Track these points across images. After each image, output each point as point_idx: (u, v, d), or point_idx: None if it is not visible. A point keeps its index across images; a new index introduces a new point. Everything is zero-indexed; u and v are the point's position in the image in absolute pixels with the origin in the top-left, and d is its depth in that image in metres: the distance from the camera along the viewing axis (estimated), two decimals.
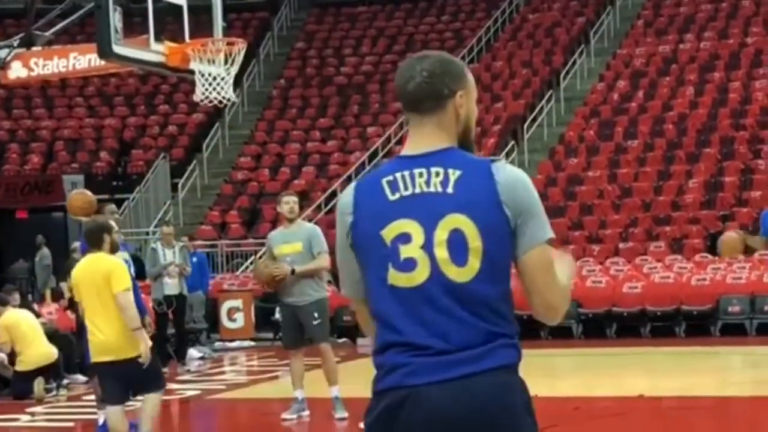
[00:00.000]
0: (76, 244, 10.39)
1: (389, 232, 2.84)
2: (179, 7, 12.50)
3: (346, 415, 9.88)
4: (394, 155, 2.89)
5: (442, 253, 2.82)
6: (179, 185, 25.34)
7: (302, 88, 28.48)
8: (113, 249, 7.93)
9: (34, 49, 13.13)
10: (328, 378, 10.04)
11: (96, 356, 7.70)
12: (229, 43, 12.49)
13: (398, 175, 2.86)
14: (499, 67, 27.17)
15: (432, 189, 2.83)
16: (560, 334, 17.54)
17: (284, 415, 10.16)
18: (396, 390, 2.85)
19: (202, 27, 12.97)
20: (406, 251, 2.83)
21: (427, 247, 2.82)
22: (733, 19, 26.63)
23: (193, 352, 16.13)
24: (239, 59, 12.39)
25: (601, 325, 17.61)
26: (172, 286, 14.76)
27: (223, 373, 15.36)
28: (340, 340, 17.08)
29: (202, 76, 12.09)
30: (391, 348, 2.87)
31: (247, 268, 22.30)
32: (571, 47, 27.17)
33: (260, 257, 22.35)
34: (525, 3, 29.54)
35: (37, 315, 14.30)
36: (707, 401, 11.22)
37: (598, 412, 10.82)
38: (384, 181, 2.86)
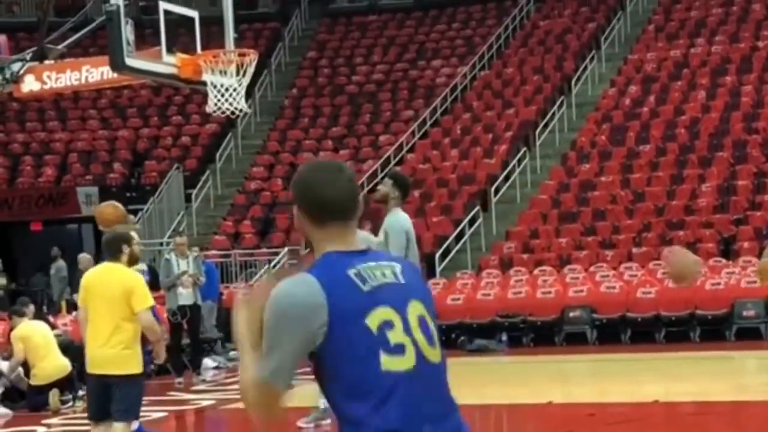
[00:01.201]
0: (81, 256, 10.40)
1: (373, 320, 2.91)
2: (191, 19, 12.56)
3: None
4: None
5: (420, 336, 2.97)
6: (193, 196, 25.41)
7: (314, 98, 28.54)
8: (132, 260, 7.86)
9: (47, 62, 13.20)
10: None
11: (92, 368, 7.56)
12: (240, 54, 12.53)
13: (359, 267, 2.96)
14: (510, 73, 27.18)
15: (390, 280, 2.98)
16: (575, 340, 17.54)
17: (300, 423, 10.17)
18: None
19: (213, 38, 13.02)
20: (394, 336, 2.92)
21: (408, 331, 2.95)
22: (744, 22, 26.60)
23: (208, 362, 16.17)
24: (251, 70, 12.43)
25: (615, 330, 17.60)
26: (186, 296, 14.80)
27: (237, 382, 15.37)
28: None
29: (215, 87, 12.14)
30: None
31: (260, 277, 22.34)
32: (582, 53, 27.17)
33: (273, 267, 22.43)
34: (535, 10, 29.56)
35: (53, 327, 14.35)
36: (723, 406, 11.20)
37: (614, 417, 10.81)
38: (351, 273, 2.93)
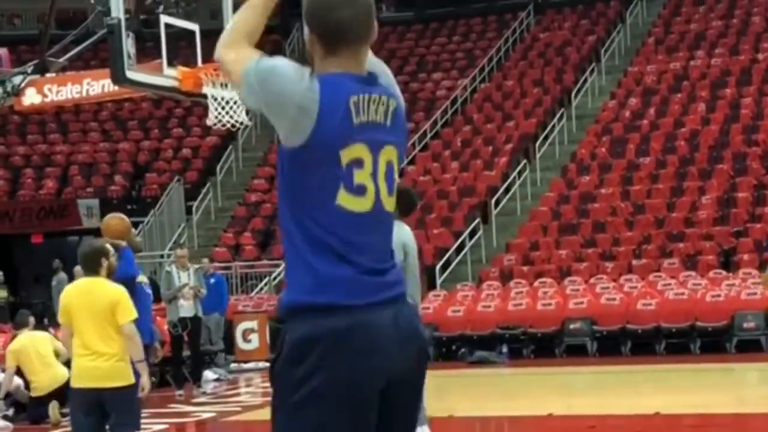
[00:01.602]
0: (77, 269, 10.32)
1: (348, 153, 2.94)
2: (192, 32, 12.60)
3: None
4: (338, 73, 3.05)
5: (382, 184, 3.02)
6: (193, 208, 25.44)
7: None
8: (110, 273, 7.68)
9: (48, 75, 13.23)
10: None
11: (79, 382, 7.42)
12: None
13: (360, 96, 2.96)
14: (511, 86, 27.23)
15: (379, 119, 2.99)
16: (575, 352, 17.54)
17: None
18: (338, 308, 2.94)
19: (214, 51, 13.04)
20: (359, 176, 2.96)
21: (374, 175, 3.00)
22: (743, 35, 26.66)
23: (208, 374, 16.18)
24: None
25: (615, 342, 17.60)
26: (187, 308, 14.81)
27: (238, 394, 15.39)
28: None
29: (215, 100, 12.17)
30: (335, 264, 2.95)
31: (261, 289, 22.36)
32: (582, 65, 27.23)
33: (274, 279, 22.43)
34: (535, 22, 29.63)
35: (55, 338, 14.35)
36: (724, 418, 11.20)
37: (614, 430, 10.82)
38: (351, 101, 2.94)
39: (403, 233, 8.95)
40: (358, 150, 2.95)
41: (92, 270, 7.53)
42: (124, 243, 9.01)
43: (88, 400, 7.39)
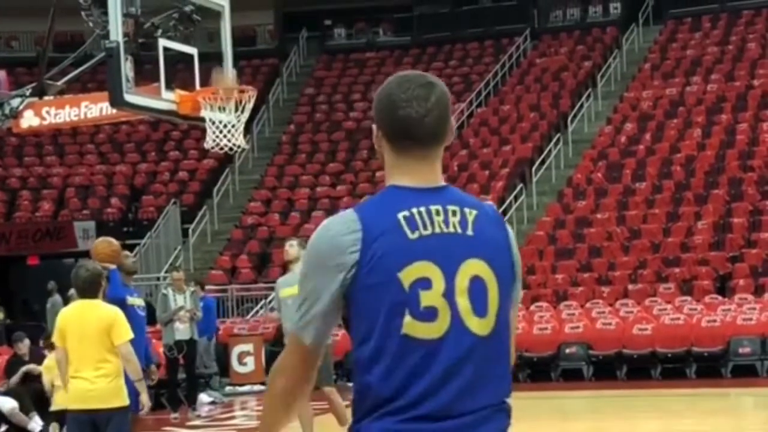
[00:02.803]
0: (72, 292, 10.35)
1: (408, 275, 2.50)
2: (190, 56, 12.64)
3: None
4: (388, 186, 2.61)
5: (464, 302, 2.54)
6: (190, 230, 25.44)
7: (311, 134, 28.65)
8: (104, 296, 7.79)
9: (46, 98, 13.25)
10: (338, 420, 10.05)
11: (75, 403, 7.47)
12: (239, 91, 12.61)
13: (414, 210, 2.55)
14: (507, 110, 27.31)
15: (451, 230, 2.57)
16: (571, 376, 17.53)
17: None
18: None
19: (212, 77, 13.08)
20: (426, 298, 2.51)
21: (448, 294, 2.53)
22: (739, 61, 26.77)
23: (203, 397, 16.15)
24: (249, 106, 12.50)
25: (611, 367, 17.59)
26: (183, 331, 14.80)
27: (233, 417, 15.35)
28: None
29: (213, 123, 12.20)
30: (393, 414, 2.52)
31: (257, 312, 22.34)
32: (578, 90, 27.32)
33: (270, 302, 22.41)
34: (532, 47, 29.74)
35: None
36: None
37: None
38: (400, 216, 2.53)
39: None
40: (423, 268, 2.52)
41: (91, 293, 7.58)
42: (113, 266, 9.07)
43: (83, 421, 7.44)
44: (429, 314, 2.51)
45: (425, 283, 2.51)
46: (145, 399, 7.70)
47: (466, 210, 2.61)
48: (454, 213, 2.60)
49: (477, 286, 2.56)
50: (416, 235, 2.53)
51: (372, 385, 2.53)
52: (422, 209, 2.56)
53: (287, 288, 10.09)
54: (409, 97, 2.58)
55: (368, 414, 2.55)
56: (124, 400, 7.52)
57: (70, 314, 7.63)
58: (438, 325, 2.52)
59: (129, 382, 7.62)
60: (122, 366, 7.53)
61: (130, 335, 7.54)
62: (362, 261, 2.51)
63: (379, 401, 2.53)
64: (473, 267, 2.56)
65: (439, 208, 2.58)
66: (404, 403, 2.52)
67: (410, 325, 2.51)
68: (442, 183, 2.65)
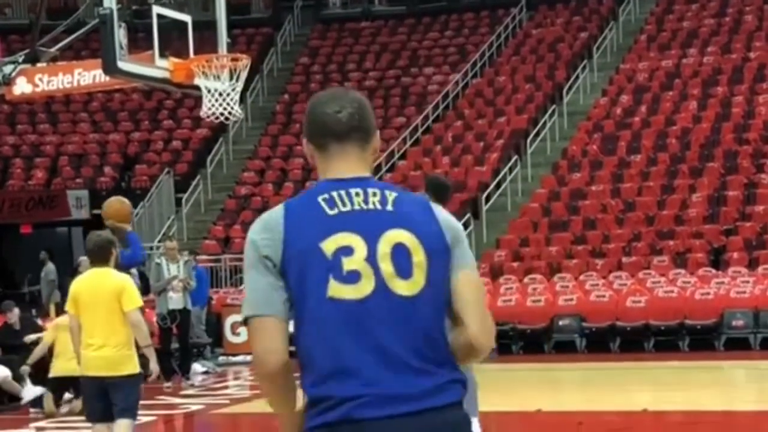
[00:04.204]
0: (82, 259, 10.45)
1: (330, 245, 2.71)
2: (184, 23, 12.55)
3: None
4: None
5: (386, 266, 2.72)
6: (183, 200, 25.38)
7: (306, 104, 28.33)
8: (116, 263, 7.93)
9: (39, 65, 13.16)
10: None
11: (88, 371, 7.66)
12: (233, 59, 12.53)
13: (334, 193, 2.78)
14: (502, 81, 27.22)
15: (371, 206, 2.77)
16: (564, 349, 17.55)
17: None
18: (342, 425, 2.67)
19: (206, 43, 13.02)
20: (349, 263, 2.70)
21: (371, 259, 2.72)
22: (736, 33, 26.68)
23: (196, 367, 16.15)
24: (244, 75, 12.43)
25: (604, 339, 17.62)
26: (176, 300, 14.79)
27: (226, 387, 15.37)
28: None
29: (209, 92, 12.13)
30: (333, 377, 2.69)
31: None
32: (574, 62, 27.22)
33: None
34: (528, 18, 29.61)
35: (40, 329, 14.32)
36: (711, 416, 11.22)
37: (602, 426, 10.82)
38: (319, 198, 2.78)
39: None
40: (342, 239, 2.72)
41: (103, 261, 7.72)
42: (128, 227, 9.18)
43: (95, 388, 7.64)
44: (352, 277, 2.69)
45: (347, 250, 2.70)
46: (153, 365, 7.90)
47: (386, 192, 2.80)
48: (374, 194, 2.79)
49: (399, 251, 2.72)
50: (335, 211, 2.75)
51: (308, 350, 2.72)
52: (342, 192, 2.78)
53: None
54: (326, 100, 2.90)
55: (307, 375, 2.76)
56: (133, 368, 7.69)
57: (83, 282, 7.79)
58: (361, 286, 2.70)
59: None
60: (132, 333, 7.68)
61: (140, 302, 7.71)
62: (286, 237, 2.73)
63: (310, 361, 2.73)
64: (395, 236, 2.73)
65: (359, 190, 2.78)
66: (345, 366, 2.69)
67: (335, 288, 2.69)
68: (366, 174, 2.85)
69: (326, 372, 2.70)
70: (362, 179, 2.82)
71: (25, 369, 13.05)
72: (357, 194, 2.78)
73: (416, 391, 2.69)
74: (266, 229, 2.78)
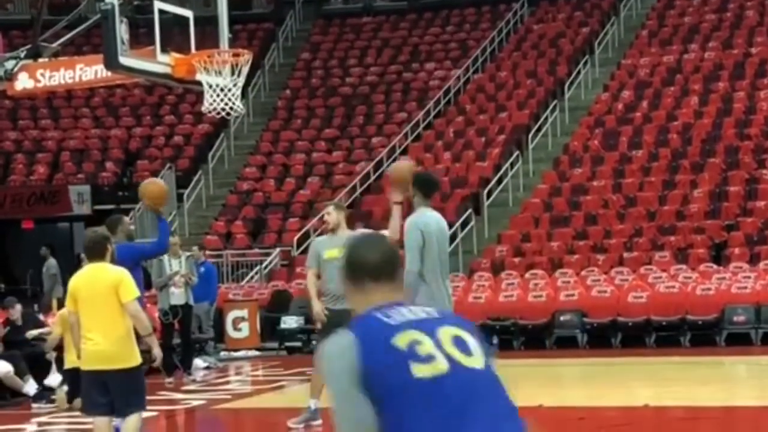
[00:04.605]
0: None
1: (401, 340, 3.10)
2: (185, 19, 12.55)
3: None
4: None
5: (451, 349, 3.14)
6: (185, 195, 25.39)
7: (307, 99, 28.54)
8: (112, 259, 7.98)
9: (41, 60, 13.17)
10: None
11: (87, 364, 7.73)
12: (234, 55, 12.53)
13: (388, 311, 3.19)
14: (504, 77, 27.21)
15: (421, 316, 3.20)
16: (565, 344, 17.56)
17: (290, 423, 10.17)
18: None
19: (207, 38, 13.02)
20: (423, 350, 3.10)
21: (438, 346, 3.13)
22: (737, 29, 26.67)
23: (198, 362, 16.16)
24: (245, 70, 12.43)
25: (605, 334, 17.62)
26: (178, 295, 14.79)
27: (228, 382, 15.38)
28: None
29: (210, 87, 12.14)
30: None
31: (252, 278, 22.34)
32: (575, 57, 27.21)
33: (265, 268, 22.41)
34: (529, 13, 29.61)
35: (42, 324, 14.34)
36: (713, 411, 11.23)
37: (604, 421, 10.83)
38: (378, 314, 3.18)
39: (424, 218, 9.00)
40: (409, 335, 3.12)
41: (99, 256, 7.79)
42: (164, 209, 9.47)
43: (96, 381, 7.68)
44: (429, 359, 3.09)
45: (417, 341, 3.10)
46: (156, 352, 7.98)
47: (427, 309, 3.28)
48: (418, 310, 3.24)
49: (457, 339, 3.17)
50: (393, 321, 3.15)
51: (402, 422, 3.04)
52: (392, 310, 3.20)
53: (330, 249, 10.09)
54: (364, 246, 3.36)
55: None
56: (134, 360, 7.74)
57: (81, 278, 7.86)
58: (438, 363, 3.09)
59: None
60: (132, 325, 7.73)
61: (137, 293, 7.77)
62: (362, 352, 3.08)
63: None
64: (449, 330, 3.18)
65: (404, 309, 3.22)
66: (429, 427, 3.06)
67: (418, 368, 3.06)
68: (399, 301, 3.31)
69: None
70: (400, 304, 3.26)
71: (51, 355, 13.16)
72: (408, 312, 3.21)
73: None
74: (339, 354, 3.12)
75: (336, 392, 3.08)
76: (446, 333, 3.16)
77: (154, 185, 9.92)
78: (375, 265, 3.30)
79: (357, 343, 3.08)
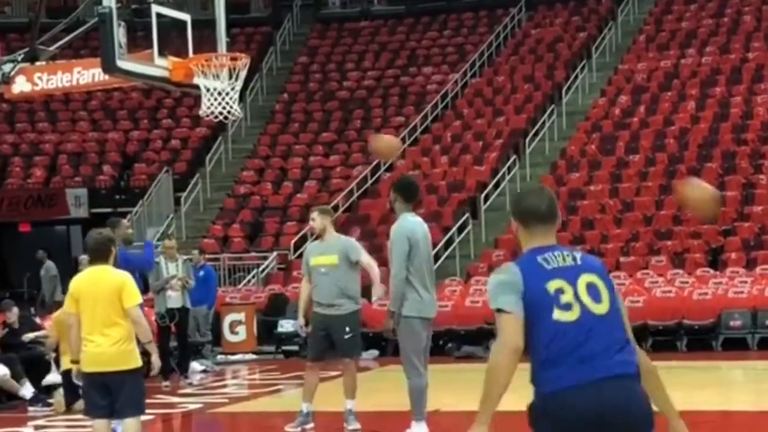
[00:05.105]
0: (82, 257, 10.51)
1: (551, 287, 4.21)
2: (183, 22, 12.56)
3: (359, 427, 9.94)
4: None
5: (585, 297, 4.22)
6: (182, 199, 25.39)
7: (305, 103, 28.56)
8: (114, 261, 7.98)
9: (38, 63, 13.18)
10: (346, 391, 10.07)
11: (88, 367, 7.73)
12: (232, 58, 12.54)
13: (547, 255, 4.29)
14: (501, 81, 27.24)
15: (570, 263, 4.28)
16: None
17: (288, 428, 10.19)
18: (582, 386, 4.12)
19: (205, 42, 13.04)
20: (564, 298, 4.19)
21: (576, 295, 4.21)
22: (734, 34, 26.71)
23: (195, 365, 16.15)
24: (243, 74, 12.44)
25: None
26: (175, 299, 14.79)
27: (225, 386, 15.37)
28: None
29: (208, 90, 12.15)
30: (562, 363, 4.14)
31: (249, 281, 22.34)
32: (572, 62, 27.25)
33: (262, 271, 22.41)
34: (527, 18, 29.64)
35: (40, 327, 14.33)
36: (709, 416, 11.23)
37: None
38: (539, 259, 4.27)
39: (408, 225, 9.02)
40: (557, 283, 4.20)
41: (102, 258, 7.78)
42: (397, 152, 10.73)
43: (97, 383, 7.70)
44: (567, 306, 4.19)
45: (561, 290, 4.21)
46: (155, 360, 7.97)
47: (574, 253, 4.35)
48: (567, 255, 4.32)
49: (591, 287, 4.24)
50: (550, 266, 4.26)
51: (539, 353, 4.19)
52: (550, 254, 4.30)
53: (317, 256, 10.09)
54: (530, 195, 4.53)
55: (540, 368, 4.20)
56: (134, 363, 7.75)
57: (83, 280, 7.85)
58: (573, 312, 4.18)
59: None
60: (133, 329, 7.74)
61: (139, 299, 7.78)
62: (526, 285, 4.22)
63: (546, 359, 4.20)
64: (586, 278, 4.26)
65: (558, 253, 4.31)
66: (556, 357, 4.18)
67: (558, 314, 4.17)
68: (556, 243, 4.41)
69: (555, 360, 4.18)
70: (556, 246, 4.35)
71: (52, 355, 13.16)
72: (558, 256, 4.29)
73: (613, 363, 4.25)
74: (512, 280, 4.23)
75: (503, 293, 4.18)
76: (584, 281, 4.23)
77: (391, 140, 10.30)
78: (543, 212, 4.38)
79: (522, 275, 4.19)
